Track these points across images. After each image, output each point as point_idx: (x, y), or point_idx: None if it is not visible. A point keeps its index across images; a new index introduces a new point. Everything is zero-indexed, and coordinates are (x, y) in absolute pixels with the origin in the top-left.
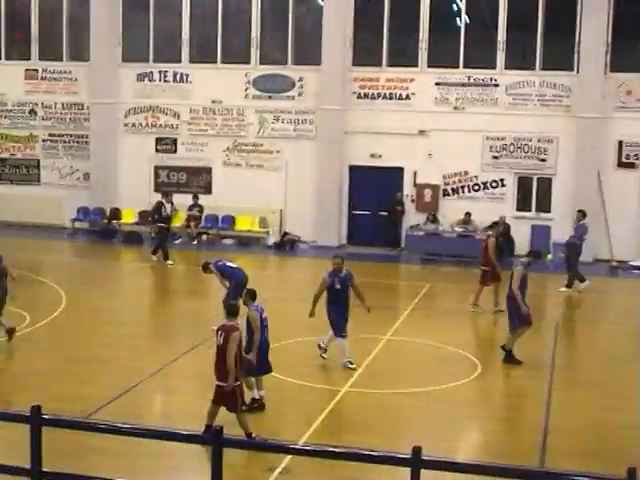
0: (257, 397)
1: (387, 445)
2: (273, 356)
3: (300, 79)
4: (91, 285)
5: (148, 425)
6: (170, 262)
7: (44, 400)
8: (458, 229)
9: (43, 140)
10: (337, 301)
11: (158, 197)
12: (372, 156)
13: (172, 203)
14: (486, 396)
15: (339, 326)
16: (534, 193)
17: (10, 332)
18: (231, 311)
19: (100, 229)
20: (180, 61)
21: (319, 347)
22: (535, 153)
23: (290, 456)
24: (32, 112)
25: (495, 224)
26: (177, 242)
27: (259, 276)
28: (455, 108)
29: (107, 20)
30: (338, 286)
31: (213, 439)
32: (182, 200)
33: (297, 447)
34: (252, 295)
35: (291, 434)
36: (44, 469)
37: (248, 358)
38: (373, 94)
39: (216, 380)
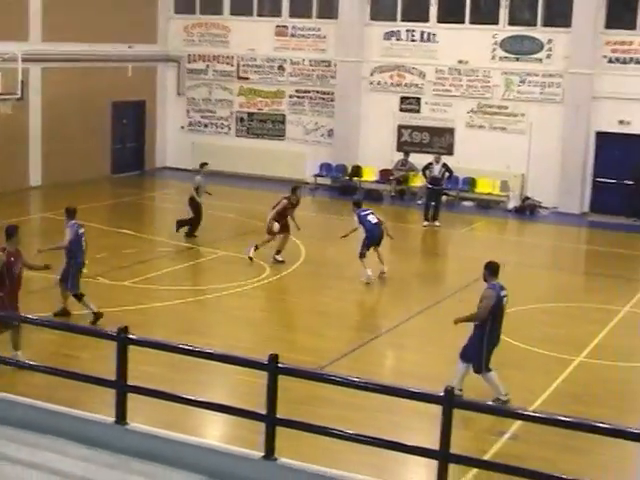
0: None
1: (616, 418)
2: (507, 321)
3: (549, 41)
4: (330, 240)
5: (377, 381)
6: (437, 223)
7: (280, 349)
8: None
9: (290, 96)
10: None
11: (400, 156)
12: (620, 123)
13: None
14: None
15: None
16: None
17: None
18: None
19: (341, 186)
20: (427, 20)
21: None
22: None
23: (519, 422)
24: (280, 68)
25: None
26: (419, 202)
27: (497, 240)
28: None
29: None
30: None
31: (444, 400)
32: (423, 160)
33: (529, 413)
34: None
35: (516, 399)
36: (278, 416)
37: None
38: (625, 58)
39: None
